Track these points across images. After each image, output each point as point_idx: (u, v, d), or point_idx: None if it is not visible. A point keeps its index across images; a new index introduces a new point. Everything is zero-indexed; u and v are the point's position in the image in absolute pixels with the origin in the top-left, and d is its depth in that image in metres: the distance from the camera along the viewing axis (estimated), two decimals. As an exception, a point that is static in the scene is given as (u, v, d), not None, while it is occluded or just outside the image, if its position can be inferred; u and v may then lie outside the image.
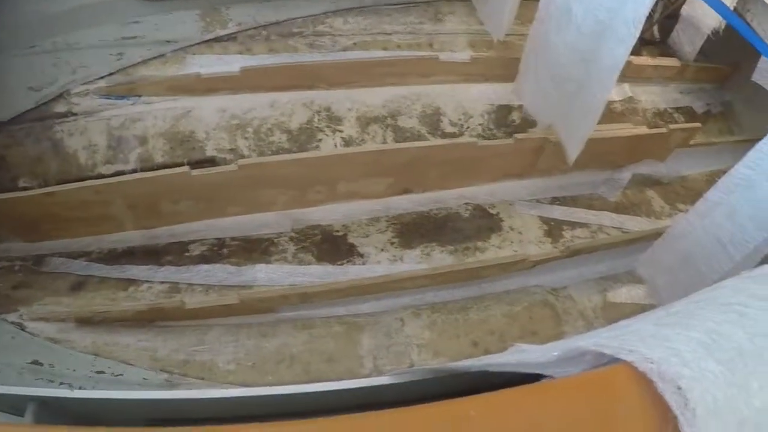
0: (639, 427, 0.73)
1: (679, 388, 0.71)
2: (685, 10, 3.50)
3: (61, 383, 1.99)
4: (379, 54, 3.09)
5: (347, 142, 2.85)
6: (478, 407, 0.79)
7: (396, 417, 0.83)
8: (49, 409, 1.53)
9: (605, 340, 0.84)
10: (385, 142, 2.89)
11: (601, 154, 2.94)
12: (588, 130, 2.48)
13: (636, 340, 0.79)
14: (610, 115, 3.22)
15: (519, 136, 2.73)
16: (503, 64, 3.06)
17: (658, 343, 0.78)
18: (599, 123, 2.47)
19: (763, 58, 2.68)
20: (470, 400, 0.81)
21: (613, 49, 2.18)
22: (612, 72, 2.23)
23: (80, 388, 1.96)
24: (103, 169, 2.58)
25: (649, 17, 3.51)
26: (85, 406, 1.60)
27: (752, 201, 1.93)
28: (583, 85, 2.46)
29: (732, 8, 2.93)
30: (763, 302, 0.84)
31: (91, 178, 2.43)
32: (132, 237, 2.54)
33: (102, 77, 2.71)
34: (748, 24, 2.87)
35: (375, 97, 3.00)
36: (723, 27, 3.22)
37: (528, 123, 3.05)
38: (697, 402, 0.69)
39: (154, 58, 2.83)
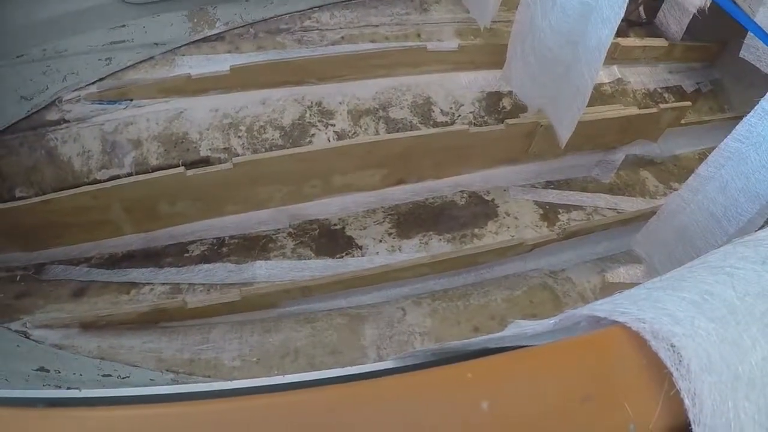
0: (634, 384, 0.74)
1: (673, 346, 0.72)
2: (670, -10, 3.52)
3: (68, 388, 1.99)
4: (367, 46, 3.09)
5: (340, 136, 2.86)
6: (475, 370, 0.80)
7: (393, 382, 0.84)
8: (59, 413, 1.54)
9: (598, 305, 0.86)
10: (377, 133, 2.90)
11: (593, 137, 2.95)
12: (578, 111, 2.48)
13: (628, 303, 0.81)
14: (600, 97, 3.24)
15: (510, 121, 2.74)
16: (491, 51, 3.07)
17: (650, 304, 0.79)
18: (589, 105, 2.47)
19: (749, 35, 2.68)
20: (467, 364, 0.82)
21: (599, 29, 2.19)
22: (599, 52, 2.24)
23: (88, 391, 1.97)
24: (99, 175, 2.59)
25: (635, -2, 3.54)
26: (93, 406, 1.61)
27: (743, 174, 1.93)
28: (570, 67, 2.46)
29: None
30: (753, 264, 0.85)
31: (86, 184, 2.44)
32: (131, 240, 2.56)
33: (92, 83, 2.71)
34: (733, 1, 2.88)
35: (365, 90, 3.00)
36: (708, 5, 3.22)
37: (519, 108, 3.06)
38: (690, 358, 0.70)
39: (144, 61, 2.83)
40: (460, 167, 2.90)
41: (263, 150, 2.75)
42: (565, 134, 2.64)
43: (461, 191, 2.90)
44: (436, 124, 2.98)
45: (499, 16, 3.12)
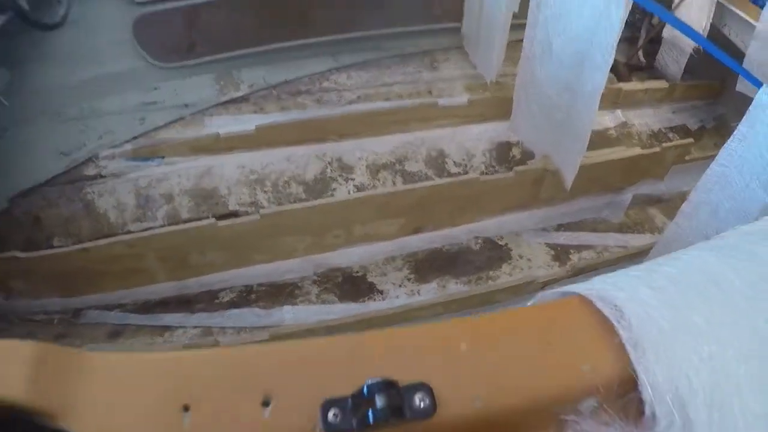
0: (586, 335, 0.85)
1: (615, 306, 0.83)
2: (666, 32, 3.65)
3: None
4: (382, 104, 3.22)
5: (359, 189, 2.99)
6: (457, 325, 0.90)
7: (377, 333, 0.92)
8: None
9: (566, 287, 0.97)
10: (395, 186, 3.03)
11: (600, 179, 3.06)
12: (580, 153, 2.60)
13: (587, 283, 0.93)
14: (606, 141, 3.33)
15: (518, 168, 2.87)
16: (499, 104, 3.20)
17: (602, 279, 0.91)
18: (595, 149, 2.56)
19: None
20: (447, 323, 0.93)
21: (593, 75, 2.33)
22: (594, 96, 2.37)
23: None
24: (133, 227, 2.71)
25: (634, 43, 3.66)
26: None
27: (729, 196, 2.03)
28: (570, 112, 2.60)
29: (709, 23, 3.08)
30: (700, 251, 0.95)
31: (121, 235, 2.59)
32: (164, 288, 2.68)
33: (127, 141, 2.85)
34: (726, 37, 2.99)
35: (382, 145, 3.14)
36: (703, 44, 3.33)
37: (528, 156, 3.18)
38: (631, 314, 0.81)
39: (175, 121, 2.99)
40: (474, 215, 3.02)
41: (288, 204, 2.88)
42: (569, 176, 2.76)
43: (476, 237, 3.02)
44: (450, 176, 3.09)
45: (506, 71, 3.24)
